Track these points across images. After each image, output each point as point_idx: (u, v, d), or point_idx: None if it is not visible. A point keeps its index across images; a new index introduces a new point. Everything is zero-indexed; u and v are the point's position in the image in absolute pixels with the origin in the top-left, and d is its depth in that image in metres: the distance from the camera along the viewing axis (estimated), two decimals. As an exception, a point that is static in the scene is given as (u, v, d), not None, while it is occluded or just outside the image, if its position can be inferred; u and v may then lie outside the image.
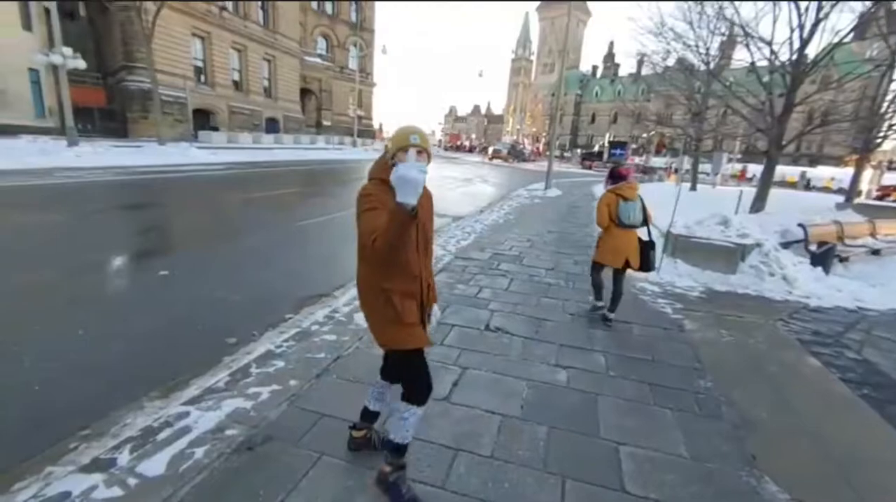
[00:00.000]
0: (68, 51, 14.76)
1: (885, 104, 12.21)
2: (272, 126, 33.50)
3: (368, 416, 2.13)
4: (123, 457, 2.05)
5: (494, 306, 4.36)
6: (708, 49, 14.96)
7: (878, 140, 13.15)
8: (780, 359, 3.67)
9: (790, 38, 10.53)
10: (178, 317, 3.78)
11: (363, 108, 46.91)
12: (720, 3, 11.97)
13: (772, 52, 10.82)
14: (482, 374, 3.04)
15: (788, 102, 10.77)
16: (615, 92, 79.73)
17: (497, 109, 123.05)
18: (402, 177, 1.37)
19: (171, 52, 24.75)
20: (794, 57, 10.49)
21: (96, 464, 2.00)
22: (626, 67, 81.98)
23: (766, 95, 11.04)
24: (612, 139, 60.79)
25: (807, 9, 9.80)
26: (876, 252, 8.02)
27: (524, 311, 4.28)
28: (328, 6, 43.24)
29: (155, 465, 2.00)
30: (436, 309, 2.01)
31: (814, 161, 52.48)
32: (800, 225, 7.42)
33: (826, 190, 33.75)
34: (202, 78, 28.10)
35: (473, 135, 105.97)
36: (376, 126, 59.62)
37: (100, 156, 14.10)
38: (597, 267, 4.28)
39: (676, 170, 30.57)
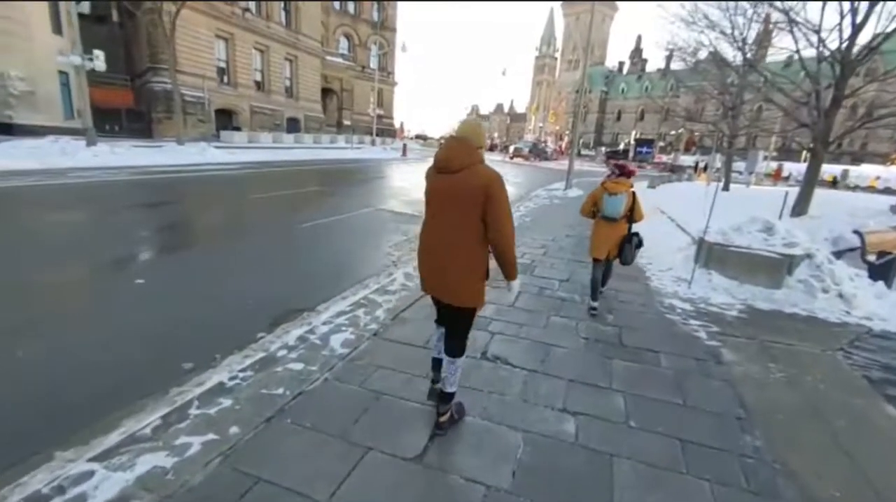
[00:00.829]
0: (93, 53, 14.88)
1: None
2: (293, 126, 33.58)
3: (437, 365, 2.51)
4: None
5: (496, 327, 3.79)
6: (744, 38, 13.89)
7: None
8: (848, 407, 2.95)
9: (839, 24, 9.56)
10: (138, 336, 3.36)
11: (384, 106, 46.87)
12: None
13: (819, 39, 9.83)
14: (471, 422, 2.49)
15: (838, 94, 9.77)
16: (642, 88, 77.02)
17: (520, 108, 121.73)
18: None
19: (195, 53, 25.04)
20: (846, 44, 9.50)
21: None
22: (654, 63, 79.50)
23: (814, 87, 10.04)
24: (637, 137, 58.93)
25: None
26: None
27: (530, 334, 3.69)
28: (350, 6, 43.42)
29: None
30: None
31: (856, 159, 49.36)
32: (855, 231, 6.54)
33: (871, 189, 31.51)
34: (225, 78, 28.33)
35: (496, 134, 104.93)
36: (397, 125, 59.58)
37: (117, 156, 14.13)
38: (593, 262, 4.36)
39: (706, 169, 29.02)
